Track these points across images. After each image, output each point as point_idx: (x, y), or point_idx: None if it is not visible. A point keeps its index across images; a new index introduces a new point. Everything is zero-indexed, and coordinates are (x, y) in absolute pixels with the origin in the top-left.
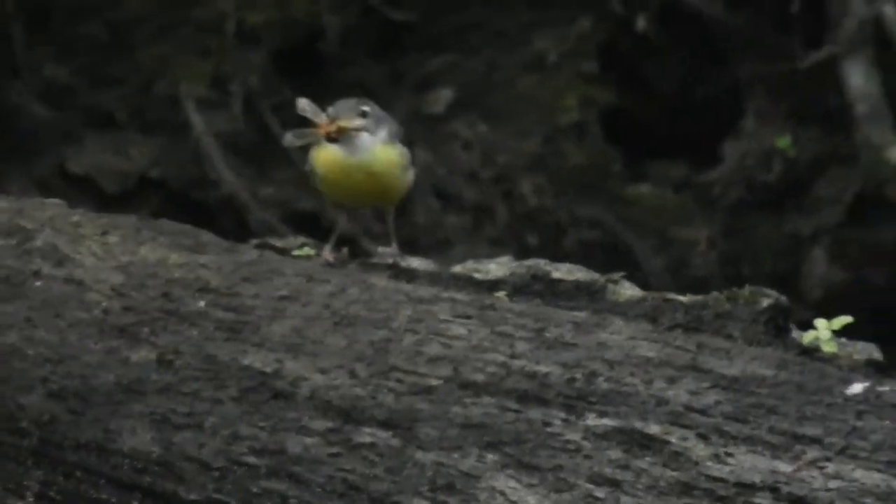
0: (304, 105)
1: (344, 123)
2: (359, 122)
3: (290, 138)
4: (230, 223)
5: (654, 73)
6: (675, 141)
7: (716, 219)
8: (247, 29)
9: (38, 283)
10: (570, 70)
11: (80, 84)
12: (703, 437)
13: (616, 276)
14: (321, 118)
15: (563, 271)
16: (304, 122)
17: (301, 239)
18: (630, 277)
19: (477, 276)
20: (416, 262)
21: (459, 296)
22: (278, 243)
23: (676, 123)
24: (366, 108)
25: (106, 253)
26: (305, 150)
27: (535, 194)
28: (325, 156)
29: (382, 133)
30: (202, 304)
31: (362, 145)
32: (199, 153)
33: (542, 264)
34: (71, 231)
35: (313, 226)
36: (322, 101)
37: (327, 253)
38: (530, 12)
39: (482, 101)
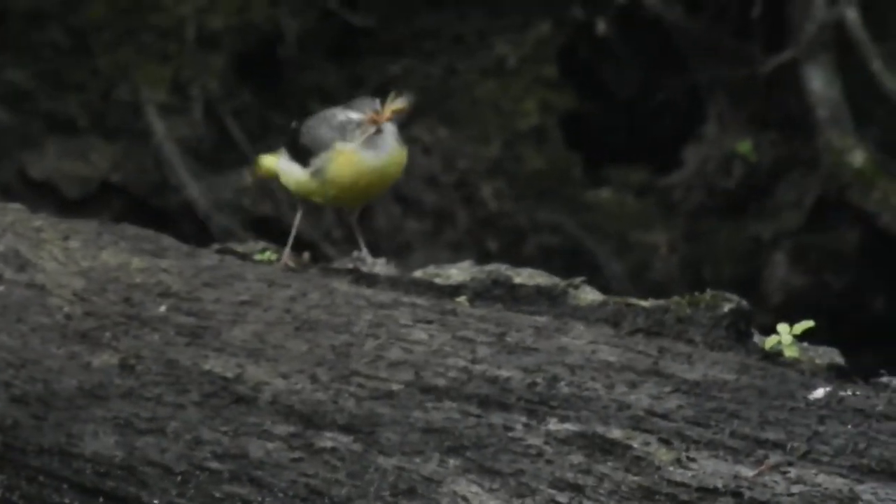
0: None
1: (392, 109)
2: (400, 105)
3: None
4: (191, 228)
5: (614, 77)
6: (635, 146)
7: (676, 223)
8: (206, 34)
9: None
10: (530, 75)
11: (41, 89)
12: (665, 442)
13: (577, 280)
14: (374, 111)
15: (524, 276)
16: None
17: (262, 243)
18: (591, 282)
19: (438, 280)
20: (378, 267)
21: (420, 301)
22: (239, 248)
23: (636, 128)
24: (402, 104)
25: (67, 258)
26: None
27: (496, 199)
28: (345, 155)
29: (394, 133)
30: (163, 308)
31: (384, 146)
32: (159, 158)
33: (502, 269)
34: (32, 236)
35: (274, 230)
36: (282, 106)
37: (286, 257)
38: (489, 17)
39: (441, 106)
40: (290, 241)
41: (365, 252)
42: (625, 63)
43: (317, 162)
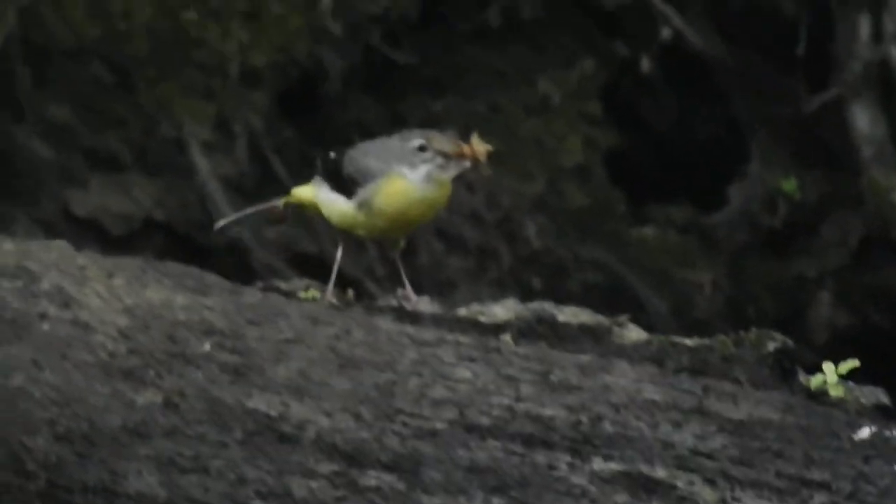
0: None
1: (487, 150)
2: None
3: (431, 170)
4: (234, 265)
5: (657, 114)
6: (678, 183)
7: (720, 261)
8: (249, 70)
9: (44, 326)
10: (573, 112)
11: (84, 125)
12: (709, 482)
13: (621, 318)
14: (449, 146)
15: (568, 314)
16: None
17: (306, 281)
18: (634, 320)
19: (482, 318)
20: (421, 304)
21: (464, 339)
22: (283, 285)
23: (679, 165)
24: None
25: (111, 295)
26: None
27: (539, 236)
28: (395, 185)
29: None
30: (207, 346)
31: (431, 176)
32: (203, 195)
33: (546, 307)
34: (76, 273)
35: (317, 268)
36: (324, 141)
37: (330, 294)
38: (532, 54)
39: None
40: (333, 277)
41: (408, 289)
42: (668, 100)
43: (364, 193)
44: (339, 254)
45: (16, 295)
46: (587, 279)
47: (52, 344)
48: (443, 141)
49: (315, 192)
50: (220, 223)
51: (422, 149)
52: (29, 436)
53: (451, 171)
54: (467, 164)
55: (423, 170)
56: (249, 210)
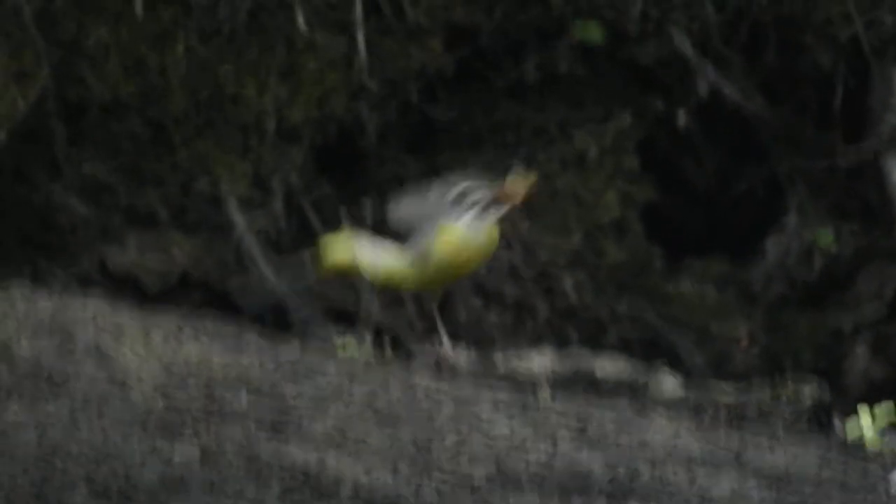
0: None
1: (530, 186)
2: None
3: (475, 217)
4: (271, 321)
5: (693, 168)
6: (714, 237)
7: (757, 314)
8: (286, 127)
9: (80, 382)
10: (610, 166)
11: (120, 182)
12: None
13: (658, 363)
14: (491, 191)
15: (606, 362)
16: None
17: (342, 339)
18: (671, 374)
19: (519, 369)
20: (460, 357)
21: (501, 394)
22: (320, 341)
23: (716, 219)
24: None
25: (148, 351)
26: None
27: (576, 291)
28: (451, 234)
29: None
30: (244, 402)
31: (480, 224)
32: (240, 251)
33: (584, 354)
34: (113, 329)
35: (353, 321)
36: (362, 198)
37: (447, 350)
38: (568, 109)
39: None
40: (443, 333)
41: (446, 342)
42: (704, 154)
43: (418, 246)
44: (375, 307)
45: (52, 351)
46: (624, 333)
47: (89, 400)
48: (487, 187)
49: (351, 250)
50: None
51: (462, 196)
52: (66, 492)
53: (493, 215)
54: (508, 206)
55: (466, 216)
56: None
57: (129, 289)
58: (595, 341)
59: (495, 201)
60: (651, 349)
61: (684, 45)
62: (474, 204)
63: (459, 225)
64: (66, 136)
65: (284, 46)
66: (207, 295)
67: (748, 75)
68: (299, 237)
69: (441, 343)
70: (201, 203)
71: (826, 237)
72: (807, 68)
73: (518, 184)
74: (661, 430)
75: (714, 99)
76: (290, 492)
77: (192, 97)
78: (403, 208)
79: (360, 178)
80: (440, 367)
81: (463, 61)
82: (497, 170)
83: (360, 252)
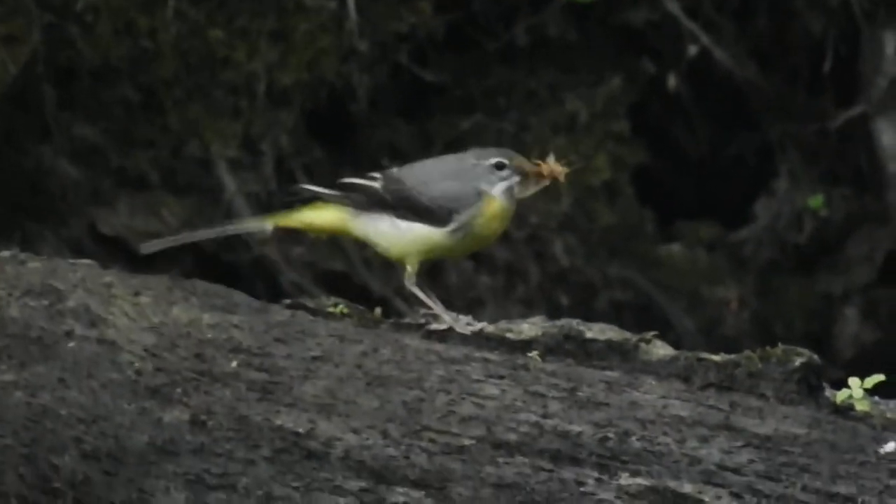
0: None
1: (564, 170)
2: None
3: (507, 189)
4: (261, 284)
5: (685, 133)
6: (706, 201)
7: (747, 279)
8: (277, 90)
9: (70, 344)
10: (601, 131)
11: (111, 145)
12: (736, 496)
13: (648, 335)
14: (528, 165)
15: (596, 331)
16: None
17: (333, 299)
18: (662, 337)
19: (509, 336)
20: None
21: (492, 356)
22: (310, 303)
23: (707, 183)
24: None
25: (138, 314)
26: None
27: (567, 255)
28: (498, 206)
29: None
30: (235, 364)
31: (511, 193)
32: (230, 214)
33: (574, 324)
34: (103, 292)
35: (344, 287)
36: (352, 161)
37: (464, 324)
38: (559, 73)
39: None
40: (438, 305)
41: (440, 310)
42: (696, 119)
43: (461, 218)
44: (418, 291)
45: (42, 314)
46: (615, 297)
47: (79, 362)
48: (522, 160)
49: (352, 223)
50: (151, 246)
51: (499, 167)
52: (56, 454)
53: (531, 189)
54: (546, 182)
55: (501, 186)
56: (200, 233)
57: (119, 251)
58: (586, 305)
59: (533, 176)
60: (642, 313)
61: (675, 8)
62: (511, 175)
63: (497, 196)
64: (57, 100)
65: (275, 9)
66: (198, 257)
67: (739, 41)
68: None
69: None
70: (192, 166)
71: (817, 202)
72: (798, 34)
73: (558, 165)
74: (650, 393)
75: (705, 64)
76: (280, 454)
77: (182, 61)
78: (436, 182)
79: (351, 142)
80: (430, 330)
81: (454, 25)
82: (486, 136)
83: (366, 226)
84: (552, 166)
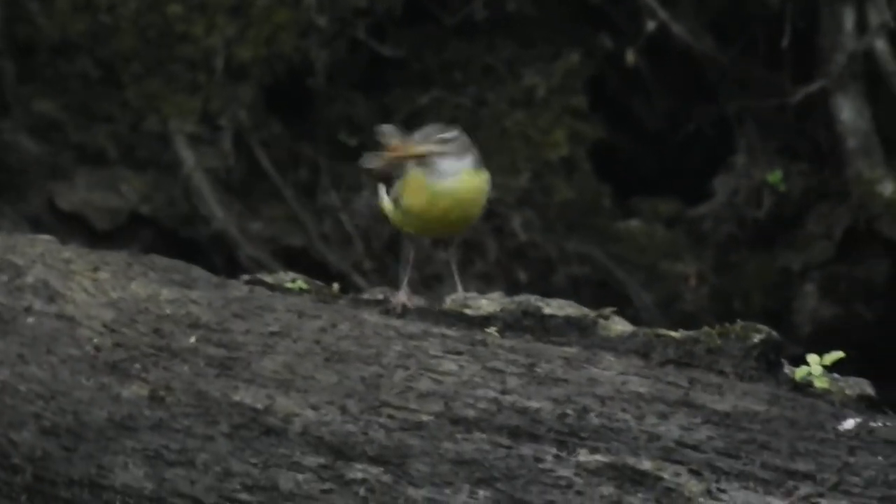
0: (384, 130)
1: (415, 148)
2: (431, 147)
3: (366, 160)
4: (220, 259)
5: (643, 108)
6: (664, 176)
7: (706, 254)
8: (235, 65)
9: (29, 320)
10: (559, 105)
11: (70, 120)
12: (695, 473)
13: (607, 311)
14: (395, 142)
15: (554, 307)
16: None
17: (292, 274)
18: (620, 313)
19: (468, 311)
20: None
21: (450, 332)
22: (269, 279)
23: (666, 159)
24: (449, 135)
25: (97, 289)
26: (376, 179)
27: (525, 230)
28: (414, 181)
29: (468, 159)
30: (193, 339)
31: (448, 171)
32: (189, 189)
33: (532, 300)
34: (62, 267)
35: (303, 262)
36: (311, 136)
37: (404, 296)
38: (517, 48)
39: (470, 137)
40: (406, 277)
41: (460, 290)
42: (654, 93)
43: (392, 191)
44: (410, 254)
45: (1, 289)
46: (574, 272)
47: (38, 338)
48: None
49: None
50: (399, 300)
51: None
52: (15, 430)
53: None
54: (384, 162)
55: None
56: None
57: (78, 226)
58: (544, 280)
59: (388, 152)
60: (600, 288)
61: None
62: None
63: (418, 172)
64: (16, 74)
65: None
66: (157, 232)
67: (697, 14)
68: (249, 175)
69: (459, 288)
70: (150, 141)
71: (775, 177)
72: (756, 8)
73: (409, 146)
74: (609, 369)
75: (663, 38)
76: (238, 429)
77: (141, 36)
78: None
79: (310, 117)
80: (388, 306)
81: (412, 0)
82: (444, 111)
83: (380, 191)
84: (404, 148)
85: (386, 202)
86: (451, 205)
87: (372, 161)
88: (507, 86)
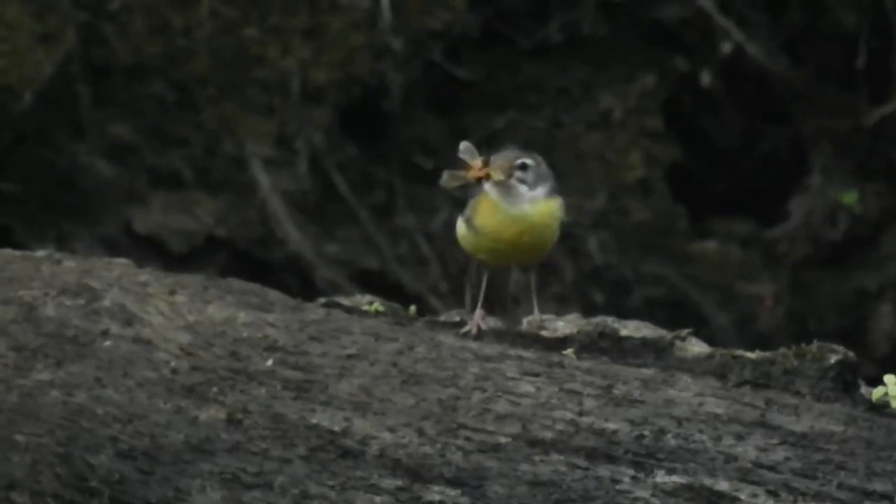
0: (464, 147)
1: (495, 172)
2: (509, 170)
3: (445, 178)
4: (296, 282)
5: (718, 129)
6: (739, 197)
7: (782, 275)
8: (311, 87)
9: (106, 343)
10: (634, 127)
11: (145, 143)
12: (772, 494)
13: (683, 332)
14: (476, 162)
15: (630, 328)
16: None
17: (368, 297)
18: (696, 334)
19: (544, 333)
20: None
21: (527, 353)
22: (345, 301)
23: (740, 179)
24: (527, 161)
25: (173, 312)
26: (463, 194)
27: (601, 251)
28: (488, 203)
29: (544, 187)
30: (270, 362)
31: (523, 196)
32: (264, 212)
33: (608, 321)
34: (138, 290)
35: (378, 284)
36: (386, 159)
37: (478, 319)
38: (592, 70)
39: (546, 159)
40: (480, 302)
41: (537, 313)
42: (729, 115)
43: (466, 212)
44: (483, 278)
45: (78, 313)
46: (649, 294)
47: (115, 361)
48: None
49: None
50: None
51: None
52: (92, 453)
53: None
54: (464, 180)
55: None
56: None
57: (154, 250)
58: (620, 302)
59: (464, 171)
60: (676, 310)
61: (708, 4)
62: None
63: (491, 191)
64: (91, 98)
65: (308, 7)
66: (232, 255)
67: (772, 35)
68: (324, 198)
69: (536, 311)
70: (225, 164)
71: (850, 197)
72: (830, 28)
73: (483, 167)
74: (686, 390)
75: (738, 59)
76: (315, 452)
77: (216, 59)
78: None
79: (385, 139)
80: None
81: (487, 22)
82: (520, 133)
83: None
84: (483, 169)
85: (459, 223)
86: (523, 230)
87: (450, 180)
88: (582, 108)
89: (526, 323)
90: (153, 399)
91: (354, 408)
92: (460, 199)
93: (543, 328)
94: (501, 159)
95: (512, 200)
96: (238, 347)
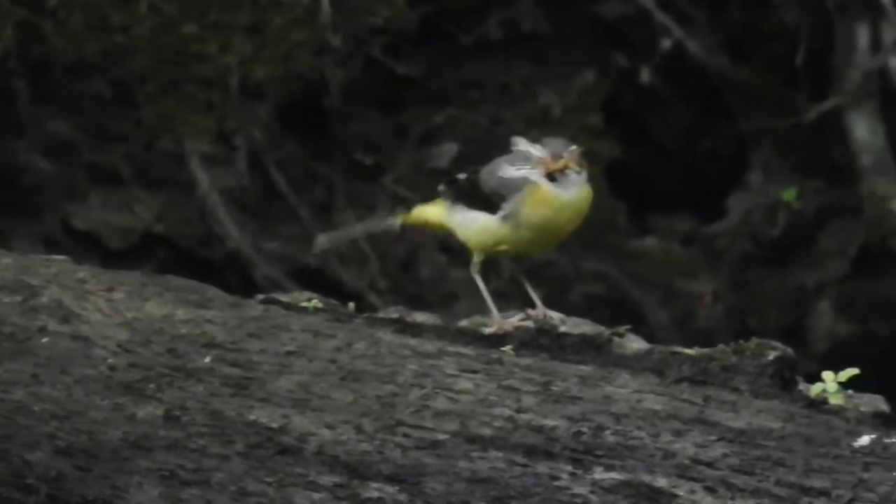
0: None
1: (572, 164)
2: (570, 158)
3: (323, 241)
4: (235, 279)
5: (659, 126)
6: (680, 194)
7: (721, 272)
8: (250, 84)
9: (43, 340)
10: (575, 124)
11: (84, 140)
12: (710, 490)
13: (622, 329)
14: (544, 156)
15: (570, 325)
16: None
17: (307, 294)
18: (636, 331)
19: (483, 330)
20: (421, 317)
21: (466, 350)
22: (284, 298)
23: (681, 177)
24: (576, 147)
25: (111, 309)
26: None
27: None
28: (540, 193)
29: (585, 172)
30: (208, 359)
31: (573, 183)
32: (203, 209)
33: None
34: (76, 287)
35: (318, 281)
36: (327, 156)
37: (504, 322)
38: (533, 67)
39: (487, 156)
40: (491, 304)
41: (540, 307)
42: (670, 111)
43: (508, 205)
44: (479, 282)
45: (15, 309)
46: (589, 291)
47: (52, 358)
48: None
49: (446, 216)
50: (321, 243)
51: (527, 157)
52: (29, 450)
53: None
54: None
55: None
56: (358, 228)
57: (92, 246)
58: (560, 299)
59: (540, 164)
60: (616, 306)
61: (648, 1)
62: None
63: (543, 182)
64: (30, 95)
65: (248, 4)
66: (171, 252)
67: (713, 32)
68: (264, 194)
69: (539, 305)
70: (165, 161)
71: (790, 194)
72: (771, 26)
73: (565, 159)
74: (624, 387)
75: (679, 56)
76: (253, 449)
77: (155, 55)
78: (499, 169)
79: (325, 136)
80: (403, 324)
81: (427, 18)
82: (460, 129)
83: (452, 216)
84: (561, 161)
85: (482, 220)
86: (572, 216)
87: (327, 242)
88: (523, 104)
89: (528, 315)
90: (91, 396)
91: (293, 405)
92: (400, 197)
93: (483, 324)
94: (564, 150)
95: (567, 187)
96: (176, 344)
